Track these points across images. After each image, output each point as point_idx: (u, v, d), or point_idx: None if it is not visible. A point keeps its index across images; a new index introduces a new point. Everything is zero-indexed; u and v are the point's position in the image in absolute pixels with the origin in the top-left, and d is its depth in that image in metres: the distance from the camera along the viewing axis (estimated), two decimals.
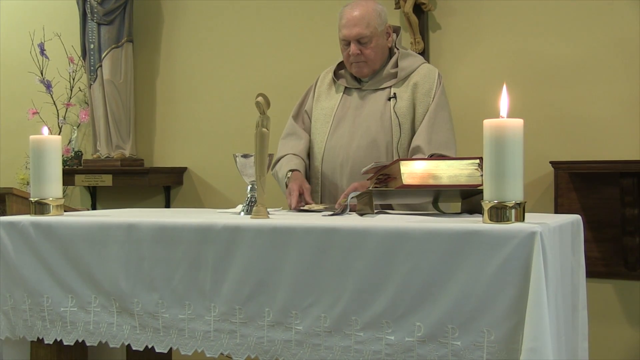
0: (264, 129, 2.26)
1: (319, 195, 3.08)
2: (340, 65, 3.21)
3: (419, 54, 3.73)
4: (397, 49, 3.15)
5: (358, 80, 3.15)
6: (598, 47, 3.55)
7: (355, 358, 1.95)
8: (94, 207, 4.73)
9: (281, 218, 2.25)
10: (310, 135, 3.19)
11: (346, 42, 3.06)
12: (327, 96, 3.19)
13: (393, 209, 2.82)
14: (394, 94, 3.04)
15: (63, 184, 2.55)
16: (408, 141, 2.99)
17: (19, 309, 2.36)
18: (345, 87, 3.16)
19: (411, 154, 2.99)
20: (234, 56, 4.38)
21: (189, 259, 2.15)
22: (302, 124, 3.23)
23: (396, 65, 3.10)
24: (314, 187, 3.08)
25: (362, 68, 3.07)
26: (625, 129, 3.49)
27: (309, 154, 3.17)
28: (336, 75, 3.21)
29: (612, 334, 3.49)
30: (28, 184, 4.50)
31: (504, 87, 1.94)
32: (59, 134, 4.53)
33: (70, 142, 4.68)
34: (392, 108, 3.02)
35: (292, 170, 3.01)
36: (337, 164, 3.04)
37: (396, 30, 3.19)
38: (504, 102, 1.92)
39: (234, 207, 2.81)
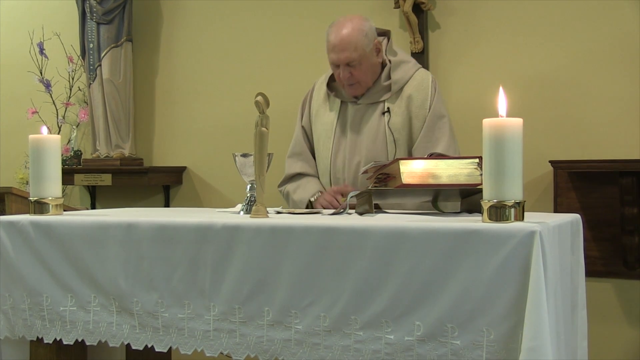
0: (264, 128, 2.26)
1: None
2: (333, 77, 3.17)
3: (418, 53, 3.74)
4: (389, 60, 3.12)
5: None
6: (597, 46, 3.55)
7: (355, 357, 1.95)
8: (93, 207, 4.72)
9: (280, 217, 2.25)
10: (312, 149, 3.24)
11: (336, 65, 3.05)
12: (325, 110, 3.20)
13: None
14: (388, 108, 3.05)
15: (62, 184, 2.55)
16: (403, 155, 3.00)
17: (18, 308, 2.36)
18: (341, 101, 3.16)
19: None
20: (234, 55, 4.37)
21: (188, 258, 2.15)
22: (303, 139, 3.26)
23: (389, 77, 3.08)
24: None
25: (356, 89, 3.07)
26: (624, 128, 3.49)
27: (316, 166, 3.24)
28: (330, 86, 3.20)
29: (612, 333, 3.49)
30: (27, 183, 4.50)
31: (501, 89, 1.95)
32: (58, 134, 4.53)
33: (69, 141, 4.68)
34: (386, 124, 3.03)
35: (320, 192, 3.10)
36: (341, 183, 3.09)
37: (385, 34, 3.18)
38: (501, 103, 1.92)
39: (234, 206, 2.81)
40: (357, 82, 3.04)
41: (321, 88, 3.23)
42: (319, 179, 3.21)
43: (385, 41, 3.15)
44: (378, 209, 2.79)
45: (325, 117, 3.19)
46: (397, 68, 3.10)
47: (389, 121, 3.03)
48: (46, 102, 4.67)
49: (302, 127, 3.27)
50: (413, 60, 3.21)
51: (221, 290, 2.11)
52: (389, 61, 3.11)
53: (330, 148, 3.13)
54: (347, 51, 2.99)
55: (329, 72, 3.18)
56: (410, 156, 3.02)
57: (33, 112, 4.62)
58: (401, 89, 3.07)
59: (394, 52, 3.16)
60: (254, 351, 2.08)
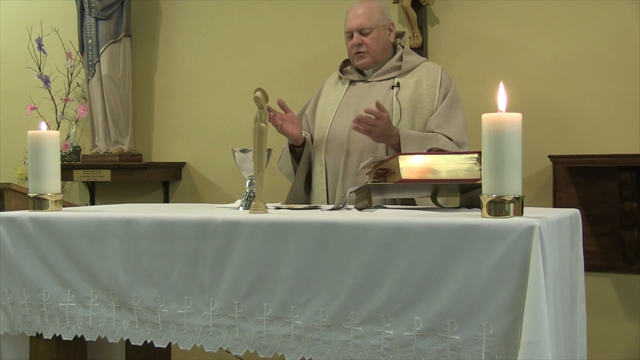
0: (262, 124, 2.26)
1: (323, 177, 3.19)
2: (345, 63, 3.36)
3: (417, 48, 3.78)
4: (402, 46, 3.32)
5: (363, 73, 3.29)
6: (596, 41, 3.55)
7: (354, 352, 1.95)
8: (92, 203, 4.72)
9: (280, 213, 2.25)
10: (312, 132, 3.31)
11: (350, 35, 3.23)
12: (334, 90, 3.34)
13: (415, 204, 2.85)
14: (398, 82, 3.18)
15: (61, 180, 2.55)
16: (406, 125, 3.08)
17: (17, 304, 2.36)
18: (351, 80, 3.31)
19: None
20: (232, 51, 4.37)
21: (187, 254, 2.15)
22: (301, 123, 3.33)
23: (401, 59, 3.25)
24: (317, 169, 3.21)
25: (364, 58, 3.22)
26: (623, 123, 3.49)
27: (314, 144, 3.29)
28: (342, 72, 3.36)
29: (611, 328, 3.50)
30: (26, 179, 4.50)
31: (501, 85, 1.95)
32: (57, 130, 4.53)
33: (68, 137, 4.67)
34: (394, 95, 3.15)
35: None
36: (338, 146, 3.16)
37: (400, 35, 3.39)
38: (501, 98, 1.92)
39: (233, 202, 2.81)
40: (366, 51, 3.20)
41: (332, 77, 3.40)
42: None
43: (399, 39, 3.36)
44: (413, 204, 2.83)
45: (331, 97, 3.32)
46: (409, 54, 3.31)
47: (397, 93, 3.16)
48: (45, 98, 4.67)
49: (305, 115, 3.37)
50: (423, 57, 3.42)
51: (220, 286, 2.11)
52: (402, 47, 3.32)
53: (332, 115, 3.23)
54: (361, 18, 3.20)
55: (340, 63, 3.36)
56: (411, 126, 3.11)
57: (32, 108, 4.61)
58: (411, 70, 3.23)
59: (407, 46, 3.41)
60: (253, 346, 2.08)
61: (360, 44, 3.19)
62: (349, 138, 3.14)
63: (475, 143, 2.04)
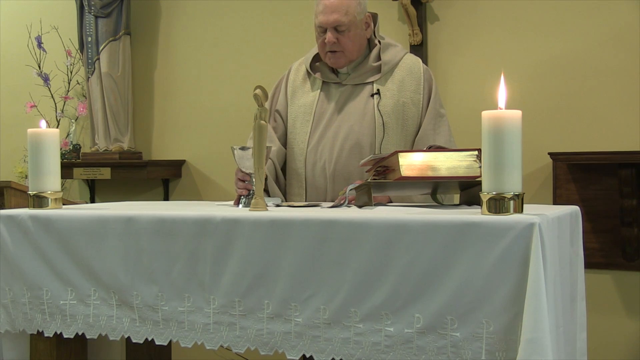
0: (262, 121, 2.26)
1: (303, 198, 2.90)
2: (316, 58, 2.97)
3: (417, 45, 3.76)
4: (379, 40, 2.95)
5: (336, 73, 2.94)
6: (596, 38, 3.55)
7: (355, 350, 1.95)
8: (92, 201, 4.73)
9: (280, 210, 2.25)
10: (286, 134, 2.97)
11: (322, 30, 2.83)
12: (303, 91, 2.97)
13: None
14: (377, 90, 2.86)
15: (61, 178, 2.55)
16: (394, 142, 2.84)
17: (18, 302, 2.36)
18: (323, 82, 2.94)
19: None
20: (232, 48, 4.37)
21: (187, 251, 2.15)
22: (274, 122, 2.99)
23: (378, 58, 2.91)
24: (295, 189, 2.92)
25: (339, 58, 2.85)
26: (623, 120, 3.49)
27: (286, 154, 2.96)
28: (311, 68, 2.97)
29: (611, 325, 3.50)
30: (26, 177, 4.50)
31: (502, 77, 1.94)
32: (57, 127, 4.53)
33: (68, 135, 4.68)
34: (375, 106, 2.84)
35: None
36: (319, 166, 2.86)
37: (374, 18, 2.98)
38: (502, 93, 1.92)
39: (233, 199, 2.81)
40: (341, 50, 2.83)
41: (299, 69, 3.01)
42: (271, 159, 2.90)
43: (373, 24, 2.97)
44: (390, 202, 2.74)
45: (303, 99, 2.95)
46: (386, 49, 2.93)
47: (378, 103, 2.85)
48: (45, 95, 4.67)
49: (277, 111, 2.99)
50: (400, 45, 3.05)
51: (221, 283, 2.11)
52: (379, 42, 2.94)
53: (308, 131, 2.90)
54: (337, 13, 2.79)
55: (309, 54, 3.00)
56: (405, 148, 2.87)
57: (32, 106, 4.62)
58: (391, 71, 2.89)
59: (380, 35, 3.01)
60: (254, 344, 2.08)
61: (335, 42, 2.80)
62: (329, 160, 2.84)
63: (476, 140, 2.04)
